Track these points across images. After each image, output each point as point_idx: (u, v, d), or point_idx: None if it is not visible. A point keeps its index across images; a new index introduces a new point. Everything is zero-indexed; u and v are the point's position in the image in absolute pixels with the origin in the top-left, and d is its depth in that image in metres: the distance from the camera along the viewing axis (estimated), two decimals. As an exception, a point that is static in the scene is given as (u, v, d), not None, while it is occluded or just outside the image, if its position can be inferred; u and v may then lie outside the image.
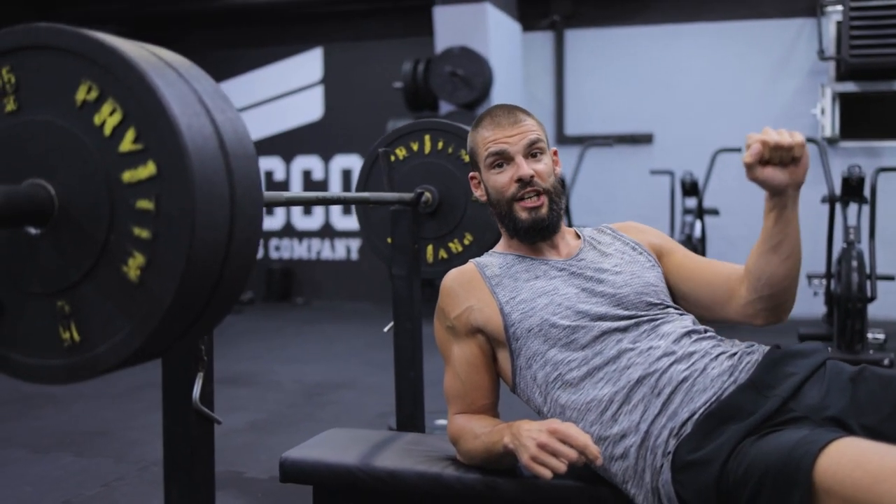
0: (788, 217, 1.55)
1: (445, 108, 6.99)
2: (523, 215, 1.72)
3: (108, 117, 0.96)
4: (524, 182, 1.71)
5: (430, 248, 2.42)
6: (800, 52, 7.24)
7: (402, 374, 2.26)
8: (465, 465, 1.67)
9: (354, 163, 8.52)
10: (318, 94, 8.69)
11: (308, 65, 8.67)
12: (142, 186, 0.96)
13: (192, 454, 1.33)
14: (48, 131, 0.99)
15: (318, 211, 8.71)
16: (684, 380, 1.51)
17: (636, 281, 1.68)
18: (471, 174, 1.85)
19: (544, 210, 1.72)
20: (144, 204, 0.96)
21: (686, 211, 7.02)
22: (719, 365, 1.53)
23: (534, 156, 1.74)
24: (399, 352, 2.27)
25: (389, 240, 2.38)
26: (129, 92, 0.95)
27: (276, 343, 6.19)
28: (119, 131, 0.96)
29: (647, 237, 1.85)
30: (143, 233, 0.96)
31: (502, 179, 1.74)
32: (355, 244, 8.62)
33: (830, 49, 6.99)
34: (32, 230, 1.00)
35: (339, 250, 8.66)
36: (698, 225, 6.67)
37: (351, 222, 8.60)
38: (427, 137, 2.38)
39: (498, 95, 6.93)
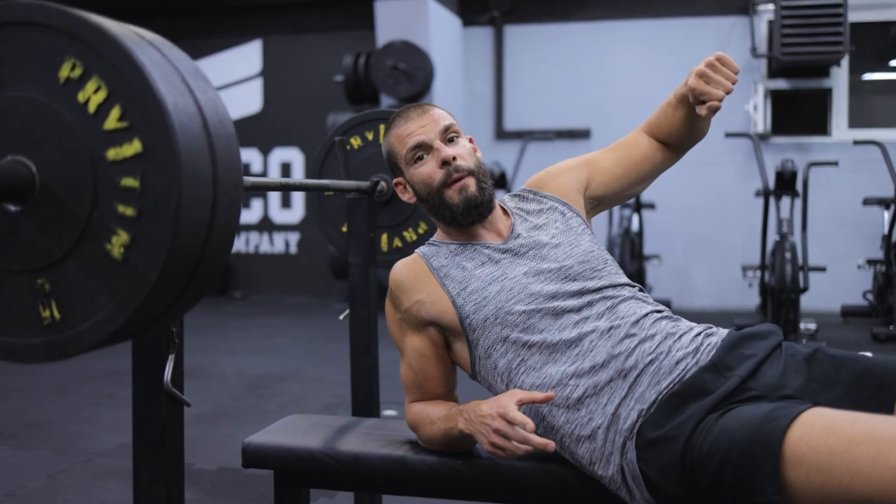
0: (699, 126, 1.83)
1: (387, 101, 6.98)
2: (455, 199, 1.71)
3: (92, 95, 0.96)
4: (448, 164, 1.71)
5: (384, 237, 2.44)
6: (733, 50, 7.41)
7: (358, 360, 2.27)
8: (428, 448, 1.69)
9: (294, 156, 8.46)
10: (257, 86, 8.59)
11: (247, 57, 8.57)
12: (127, 164, 0.96)
13: (162, 436, 1.33)
14: (30, 108, 0.98)
15: (257, 204, 8.63)
16: (651, 362, 1.52)
17: (576, 251, 1.71)
18: (395, 181, 1.82)
19: (473, 188, 1.71)
20: (129, 181, 0.96)
21: (623, 205, 7.16)
22: (683, 347, 1.55)
23: (451, 140, 1.75)
24: (355, 338, 2.28)
25: (344, 228, 2.39)
26: (115, 70, 0.95)
27: (216, 336, 6.11)
28: (104, 109, 0.96)
29: (564, 182, 1.87)
30: (127, 210, 0.96)
31: (427, 170, 1.73)
32: (294, 237, 8.56)
33: (762, 47, 7.20)
34: (12, 207, 0.99)
35: (278, 244, 8.60)
36: (635, 218, 6.79)
37: (289, 215, 8.54)
38: (382, 127, 2.40)
39: (439, 90, 6.95)
